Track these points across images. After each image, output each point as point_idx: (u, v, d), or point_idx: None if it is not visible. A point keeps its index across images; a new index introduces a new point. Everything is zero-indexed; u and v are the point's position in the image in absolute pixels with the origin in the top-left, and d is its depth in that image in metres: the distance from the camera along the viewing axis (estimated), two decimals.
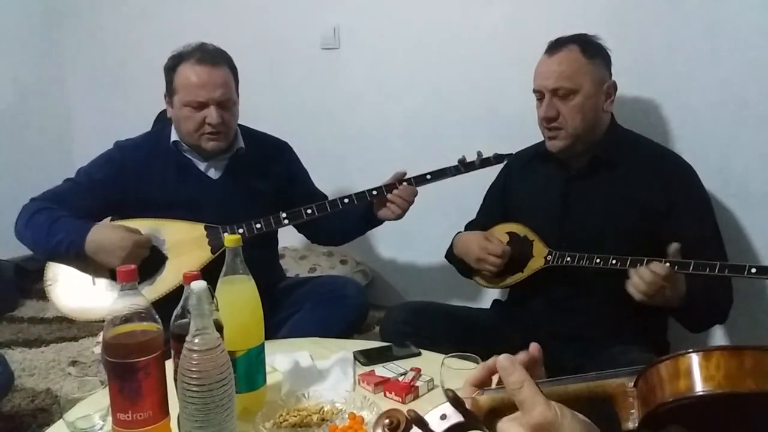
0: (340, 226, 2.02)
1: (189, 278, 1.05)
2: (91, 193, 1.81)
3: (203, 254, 1.75)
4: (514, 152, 1.97)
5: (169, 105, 1.85)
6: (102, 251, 1.67)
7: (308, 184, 2.07)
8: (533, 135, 1.90)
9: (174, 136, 1.86)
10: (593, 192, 1.70)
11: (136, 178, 1.83)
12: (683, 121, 1.93)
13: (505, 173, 1.95)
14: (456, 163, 1.91)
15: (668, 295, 1.45)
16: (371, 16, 2.49)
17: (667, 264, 1.42)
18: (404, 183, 1.86)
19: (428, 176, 1.90)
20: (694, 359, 0.52)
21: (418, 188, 1.87)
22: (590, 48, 1.66)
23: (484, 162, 1.94)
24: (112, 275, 1.72)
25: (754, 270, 1.39)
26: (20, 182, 3.03)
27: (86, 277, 1.73)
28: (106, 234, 1.69)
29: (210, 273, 1.12)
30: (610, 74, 1.70)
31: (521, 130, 2.06)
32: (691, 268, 1.42)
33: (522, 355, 0.65)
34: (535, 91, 1.70)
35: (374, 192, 1.86)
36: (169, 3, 2.98)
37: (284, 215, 1.81)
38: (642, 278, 1.43)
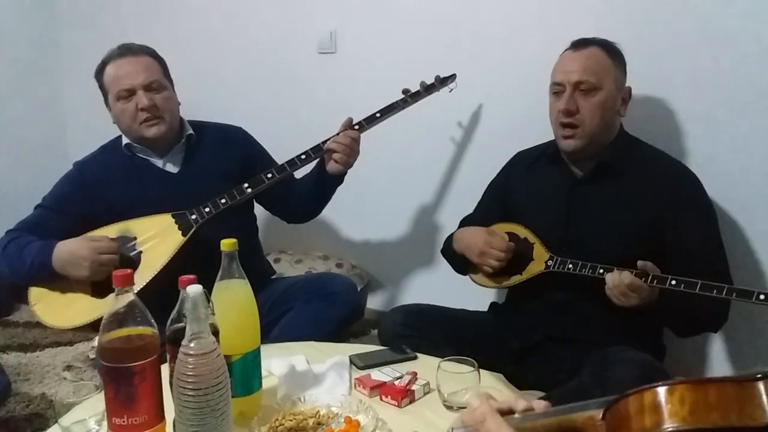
0: (303, 195, 2.00)
1: (184, 282, 1.05)
2: (60, 212, 1.84)
3: (175, 239, 1.76)
4: (457, 75, 1.98)
5: (109, 110, 1.89)
6: (68, 265, 1.69)
7: (270, 160, 2.04)
8: (537, 137, 1.91)
9: (125, 140, 1.89)
10: (598, 198, 1.69)
11: (99, 189, 1.86)
12: (689, 129, 1.93)
13: (508, 172, 1.94)
14: (402, 96, 1.92)
15: (637, 302, 1.50)
16: (368, 20, 2.49)
17: (658, 283, 1.47)
18: (348, 130, 1.86)
19: (377, 114, 1.91)
20: (659, 394, 0.52)
21: (372, 128, 1.90)
22: (613, 50, 1.68)
23: (429, 88, 1.95)
24: (92, 288, 1.73)
25: (762, 297, 1.39)
26: (19, 185, 3.03)
27: (66, 289, 1.75)
28: (67, 248, 1.71)
29: (206, 275, 1.12)
30: (626, 80, 1.71)
31: (520, 132, 2.07)
32: (697, 288, 1.44)
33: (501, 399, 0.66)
34: (555, 84, 1.69)
35: (328, 141, 1.87)
36: (166, 6, 2.98)
37: (246, 185, 1.83)
38: (611, 280, 1.51)
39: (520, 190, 1.86)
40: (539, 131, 1.85)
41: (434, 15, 2.34)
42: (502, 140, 2.12)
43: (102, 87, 1.87)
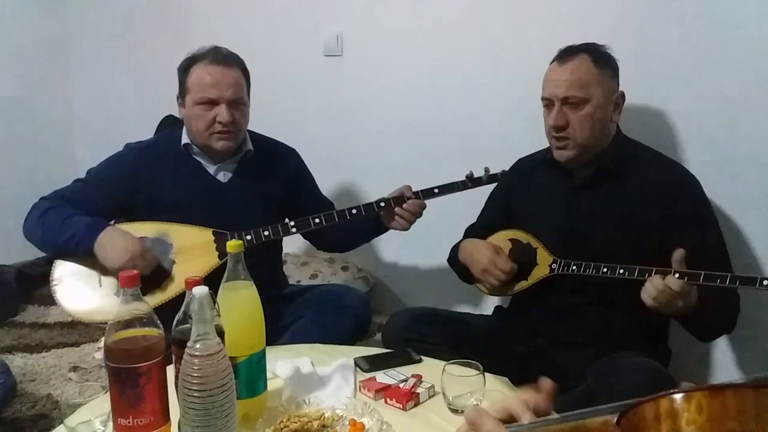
0: (347, 235, 2.03)
1: (190, 284, 1.06)
2: (101, 193, 1.82)
3: (211, 260, 1.75)
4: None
5: (181, 106, 1.87)
6: (109, 249, 1.67)
7: (315, 189, 2.08)
8: (537, 144, 1.91)
9: (185, 139, 1.88)
10: (598, 202, 1.69)
11: (146, 180, 1.84)
12: (687, 130, 1.93)
13: (509, 178, 1.95)
14: (464, 179, 1.94)
15: (680, 306, 1.44)
16: (374, 23, 2.50)
17: (679, 277, 1.42)
18: (413, 197, 1.88)
19: (436, 190, 1.92)
20: (676, 401, 0.51)
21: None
22: (601, 58, 1.65)
23: (491, 178, 1.97)
24: (117, 284, 1.71)
25: (766, 282, 1.37)
26: (21, 186, 3.04)
27: (92, 279, 1.73)
28: (116, 237, 1.69)
29: (213, 278, 1.12)
30: (618, 84, 1.69)
31: (523, 137, 2.07)
32: (701, 278, 1.42)
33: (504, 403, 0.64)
34: (544, 98, 1.68)
35: (382, 204, 1.88)
36: (175, 5, 3.00)
37: (292, 224, 1.83)
38: (654, 286, 1.44)
39: (521, 196, 1.87)
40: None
41: (440, 16, 2.35)
42: (509, 147, 2.12)
43: (182, 83, 1.84)
